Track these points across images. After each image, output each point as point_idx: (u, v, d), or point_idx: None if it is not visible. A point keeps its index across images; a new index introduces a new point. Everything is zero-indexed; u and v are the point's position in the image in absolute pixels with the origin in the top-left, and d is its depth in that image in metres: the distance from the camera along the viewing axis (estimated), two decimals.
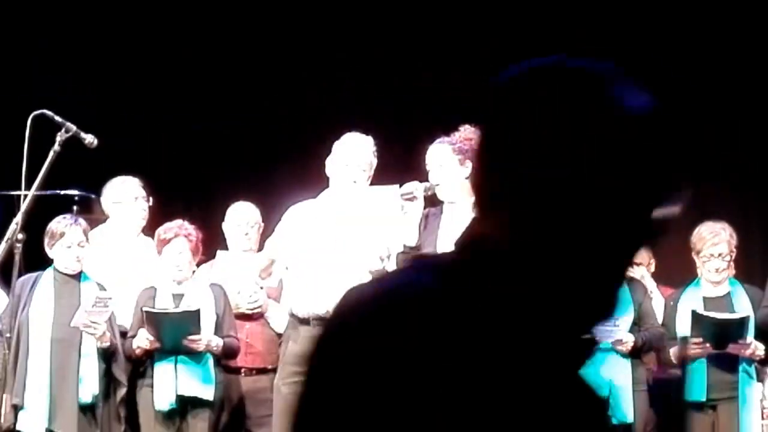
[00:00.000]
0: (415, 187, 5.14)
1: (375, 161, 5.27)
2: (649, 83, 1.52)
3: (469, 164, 5.16)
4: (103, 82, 7.58)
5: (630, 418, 5.56)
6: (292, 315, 5.27)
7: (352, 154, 5.22)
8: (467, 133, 5.25)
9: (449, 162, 5.17)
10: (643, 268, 6.21)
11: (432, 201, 5.24)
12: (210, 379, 5.60)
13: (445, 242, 5.13)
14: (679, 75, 7.18)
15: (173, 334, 5.53)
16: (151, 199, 6.10)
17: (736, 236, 5.74)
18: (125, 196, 6.06)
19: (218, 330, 5.64)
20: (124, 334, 5.67)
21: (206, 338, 5.57)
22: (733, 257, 5.79)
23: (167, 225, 5.79)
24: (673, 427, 5.74)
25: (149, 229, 5.97)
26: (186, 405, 5.59)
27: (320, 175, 5.32)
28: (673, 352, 5.66)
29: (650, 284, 6.09)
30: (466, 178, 5.17)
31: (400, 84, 7.57)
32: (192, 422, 5.60)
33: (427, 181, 5.19)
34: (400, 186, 5.16)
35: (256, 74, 7.72)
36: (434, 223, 5.20)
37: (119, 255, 5.92)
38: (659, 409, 5.81)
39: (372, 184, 5.27)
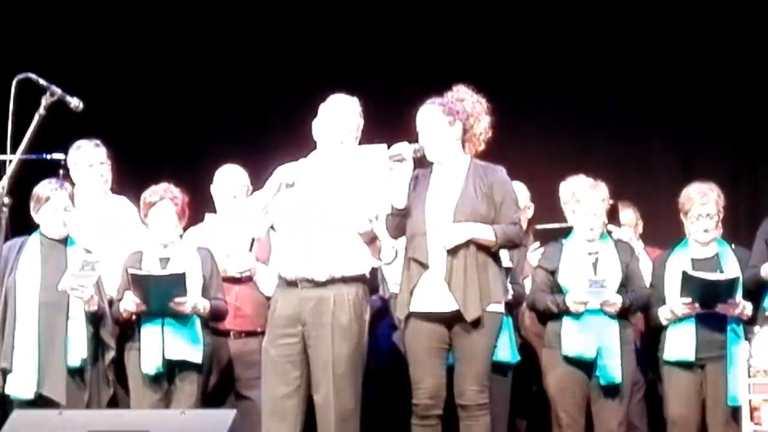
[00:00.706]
0: (404, 148, 5.12)
1: (361, 122, 5.26)
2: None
3: (459, 125, 5.15)
4: (90, 46, 7.55)
5: (618, 378, 5.60)
6: (280, 277, 5.27)
7: (338, 115, 5.21)
8: (459, 94, 5.24)
9: (439, 123, 5.15)
10: (630, 229, 6.23)
11: (422, 163, 5.22)
12: (197, 341, 5.59)
13: (433, 204, 5.12)
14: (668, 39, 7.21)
15: (160, 296, 5.53)
16: (108, 163, 6.08)
17: (723, 197, 5.76)
18: (82, 160, 6.07)
19: (205, 293, 5.64)
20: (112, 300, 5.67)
21: (193, 300, 5.55)
22: (721, 217, 5.82)
23: (153, 188, 5.78)
24: (661, 387, 5.77)
25: (136, 193, 5.94)
26: (174, 368, 5.59)
27: (308, 138, 5.31)
28: (661, 312, 5.68)
29: (637, 245, 6.11)
30: (456, 139, 5.17)
31: (392, 45, 7.56)
32: (180, 385, 5.61)
33: (417, 142, 5.17)
34: (389, 147, 5.14)
35: (245, 37, 7.69)
36: (423, 184, 5.19)
37: (85, 218, 5.86)
38: (646, 368, 5.84)
39: (361, 145, 5.25)
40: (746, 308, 5.60)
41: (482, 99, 5.24)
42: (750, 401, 5.26)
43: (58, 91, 4.67)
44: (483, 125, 5.21)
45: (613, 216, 6.12)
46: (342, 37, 7.60)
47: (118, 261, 5.72)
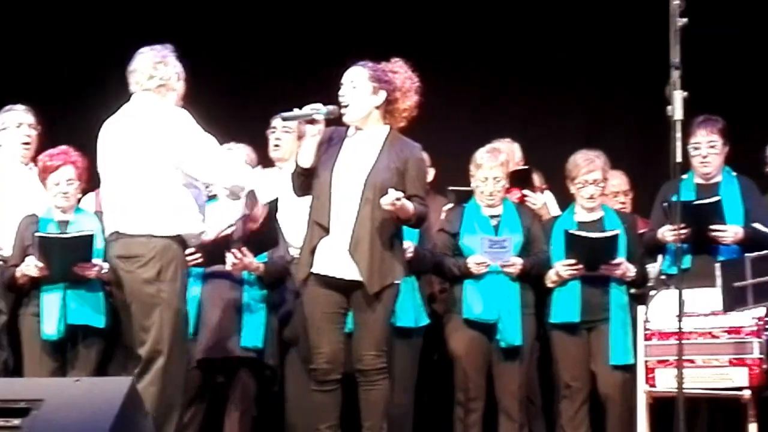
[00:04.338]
0: (315, 109, 5.09)
1: (165, 71, 5.14)
2: None
3: (382, 94, 5.12)
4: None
5: (518, 341, 5.67)
6: None
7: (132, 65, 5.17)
8: (394, 66, 5.20)
9: (362, 85, 5.11)
10: (548, 193, 6.27)
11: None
12: (101, 307, 5.54)
13: (343, 170, 5.09)
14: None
15: (63, 260, 5.47)
16: (36, 128, 5.97)
17: (609, 164, 5.82)
18: (10, 120, 5.95)
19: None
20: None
21: (98, 264, 5.48)
22: (607, 184, 5.88)
23: (51, 152, 5.71)
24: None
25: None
26: (76, 334, 5.54)
27: None
28: (548, 275, 5.74)
29: (554, 210, 6.16)
30: (376, 106, 5.14)
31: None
32: (83, 351, 5.56)
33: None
34: (301, 108, 5.11)
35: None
36: (336, 146, 5.15)
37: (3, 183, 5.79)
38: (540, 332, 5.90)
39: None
40: (629, 269, 5.68)
41: (415, 77, 5.20)
42: (646, 363, 5.34)
43: None
44: (409, 102, 5.18)
45: (526, 180, 6.17)
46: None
47: (9, 225, 5.62)
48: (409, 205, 5.04)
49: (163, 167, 5.01)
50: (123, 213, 5.05)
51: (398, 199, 4.93)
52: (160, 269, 4.96)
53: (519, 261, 5.68)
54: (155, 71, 5.12)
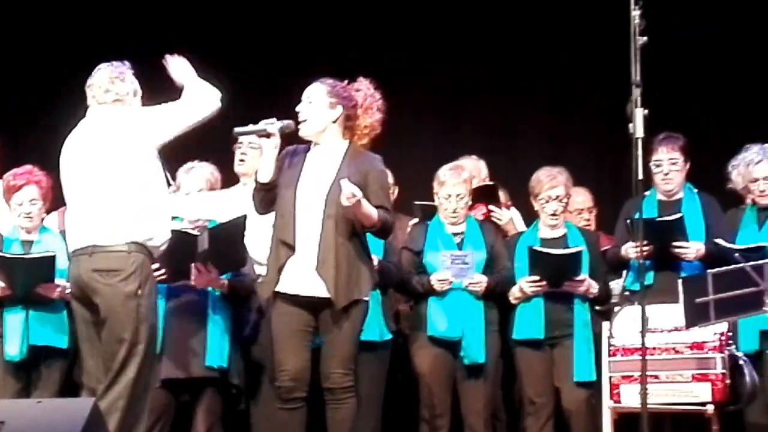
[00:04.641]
0: (270, 123, 5.10)
1: (120, 86, 5.13)
2: None
3: (339, 109, 5.14)
4: None
5: (482, 358, 5.68)
6: None
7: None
8: (358, 84, 5.24)
9: (319, 101, 5.14)
10: (513, 210, 6.29)
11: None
12: (64, 327, 5.52)
13: (306, 186, 5.10)
14: None
15: (26, 281, 5.44)
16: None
17: (572, 180, 5.86)
18: None
19: None
20: None
21: (61, 285, 5.46)
22: (569, 201, 5.92)
23: (15, 171, 5.67)
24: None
25: None
26: (39, 355, 5.50)
27: None
28: (512, 292, 5.77)
29: (520, 226, 6.18)
30: (333, 122, 5.16)
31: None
32: (46, 372, 5.54)
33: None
34: (256, 123, 5.12)
35: None
36: (299, 163, 5.16)
37: None
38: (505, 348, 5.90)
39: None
40: (592, 286, 5.72)
41: (378, 96, 5.23)
42: (610, 379, 5.36)
43: None
44: (370, 120, 5.20)
45: (492, 197, 6.19)
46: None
47: None
48: (370, 207, 5.02)
49: (130, 173, 4.97)
50: (99, 226, 4.98)
51: (354, 195, 4.92)
52: (140, 284, 4.94)
53: (483, 279, 5.70)
54: (112, 86, 5.12)
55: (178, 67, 5.15)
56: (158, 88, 5.19)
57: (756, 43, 7.25)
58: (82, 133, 5.11)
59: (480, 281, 5.69)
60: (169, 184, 5.28)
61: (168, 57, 5.15)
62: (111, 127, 5.04)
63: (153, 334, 5.01)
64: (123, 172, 4.98)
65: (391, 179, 6.18)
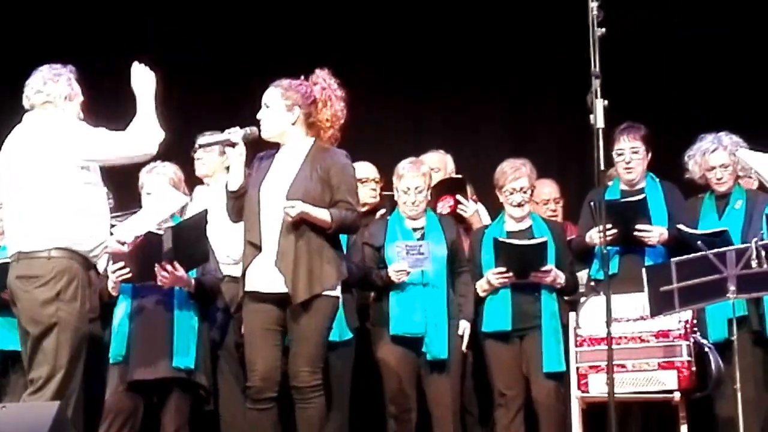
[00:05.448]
0: (234, 132, 5.11)
1: (54, 89, 5.04)
2: None
3: (296, 110, 5.14)
4: None
5: (444, 354, 5.67)
6: None
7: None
8: (315, 78, 5.24)
9: (276, 105, 5.15)
10: (479, 204, 6.30)
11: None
12: None
13: (269, 186, 5.10)
14: None
15: None
16: None
17: (536, 172, 5.87)
18: None
19: None
20: None
21: None
22: (534, 192, 5.93)
23: None
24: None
25: None
26: (6, 360, 5.47)
27: None
28: (479, 284, 5.78)
29: (486, 219, 6.19)
30: (292, 123, 5.16)
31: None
32: (14, 377, 5.54)
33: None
34: (222, 131, 5.14)
35: None
36: (265, 166, 5.18)
37: None
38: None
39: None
40: (559, 276, 5.73)
41: (335, 86, 5.23)
42: (578, 369, 5.39)
43: None
44: (329, 112, 5.20)
45: (460, 190, 6.20)
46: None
47: None
48: (317, 212, 5.02)
49: (59, 177, 4.90)
50: (23, 231, 4.92)
51: (293, 207, 4.94)
52: (59, 290, 4.84)
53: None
54: (43, 87, 5.04)
55: (141, 77, 5.07)
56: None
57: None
58: (15, 139, 5.02)
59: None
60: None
61: (136, 64, 5.10)
62: (40, 135, 4.94)
63: (78, 340, 4.87)
64: (49, 179, 4.89)
65: (376, 174, 6.23)
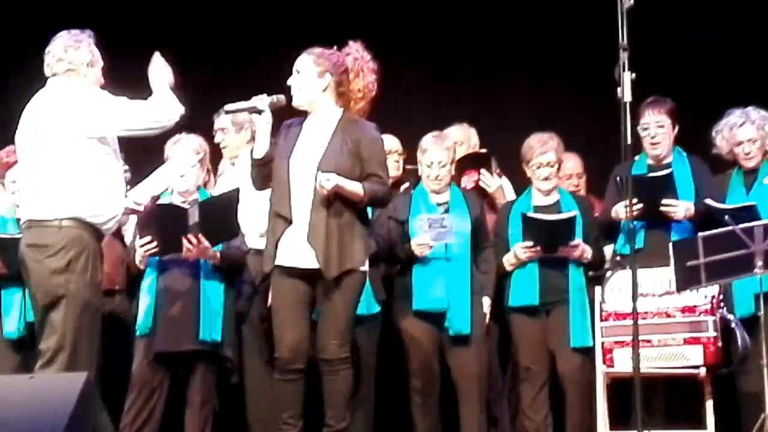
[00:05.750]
0: (260, 99, 5.09)
1: (74, 55, 5.05)
2: None
3: (327, 77, 5.12)
4: None
5: (467, 329, 5.64)
6: None
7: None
8: (348, 49, 5.22)
9: (307, 71, 5.12)
10: (504, 178, 6.28)
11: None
12: None
13: (299, 157, 5.09)
14: None
15: None
16: None
17: (563, 146, 5.84)
18: None
19: None
20: None
21: None
22: (561, 166, 5.90)
23: (9, 148, 5.66)
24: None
25: None
26: (34, 332, 5.50)
27: None
28: (506, 258, 5.76)
29: (510, 195, 6.17)
30: (323, 90, 5.14)
31: None
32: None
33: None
34: (248, 99, 5.11)
35: None
36: (293, 135, 5.15)
37: None
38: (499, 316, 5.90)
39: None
40: (586, 251, 5.71)
41: (368, 57, 5.21)
42: (603, 344, 5.38)
43: None
44: (362, 83, 5.18)
45: (485, 165, 6.18)
46: None
47: None
48: (351, 185, 5.01)
49: (74, 147, 4.87)
50: (34, 199, 4.90)
51: (328, 180, 4.92)
52: (70, 260, 4.79)
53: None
54: (65, 54, 5.00)
55: (158, 68, 5.06)
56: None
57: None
58: (35, 106, 5.00)
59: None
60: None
61: (157, 55, 5.07)
62: (60, 104, 4.92)
63: (89, 312, 4.82)
64: (64, 148, 4.87)
65: (399, 147, 6.21)
